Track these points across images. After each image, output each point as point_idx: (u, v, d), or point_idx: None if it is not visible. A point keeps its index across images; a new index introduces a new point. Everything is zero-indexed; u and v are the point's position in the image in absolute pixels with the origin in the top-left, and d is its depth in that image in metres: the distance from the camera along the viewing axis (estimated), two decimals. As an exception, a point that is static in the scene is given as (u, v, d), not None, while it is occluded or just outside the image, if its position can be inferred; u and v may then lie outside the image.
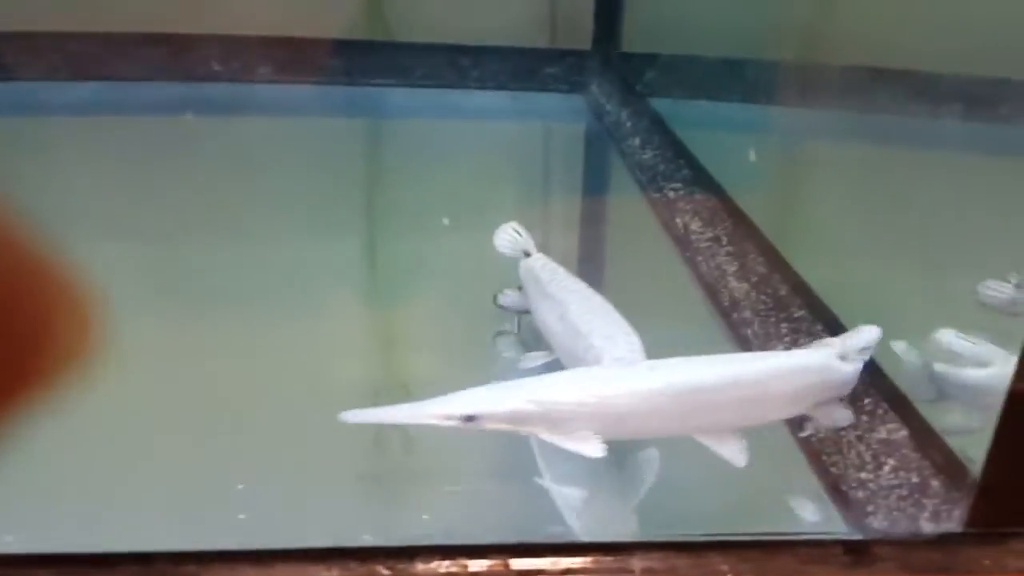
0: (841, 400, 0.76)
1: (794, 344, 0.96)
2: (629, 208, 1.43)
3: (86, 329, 0.56)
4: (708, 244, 1.19)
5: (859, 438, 0.80)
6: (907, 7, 1.15)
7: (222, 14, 1.62)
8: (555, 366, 0.83)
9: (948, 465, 0.75)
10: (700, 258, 1.18)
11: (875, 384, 0.84)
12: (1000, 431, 0.65)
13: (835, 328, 0.93)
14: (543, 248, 0.97)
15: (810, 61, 1.28)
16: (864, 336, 0.75)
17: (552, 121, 1.84)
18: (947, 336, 0.81)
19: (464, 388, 0.70)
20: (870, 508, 0.73)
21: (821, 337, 0.95)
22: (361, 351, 1.03)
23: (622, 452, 0.78)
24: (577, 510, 0.76)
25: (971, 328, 0.81)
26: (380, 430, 0.83)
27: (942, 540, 0.68)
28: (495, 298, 0.98)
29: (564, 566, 0.62)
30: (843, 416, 0.76)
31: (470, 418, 0.68)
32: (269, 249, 1.21)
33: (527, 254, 0.95)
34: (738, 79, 1.53)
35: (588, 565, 0.62)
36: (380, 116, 1.77)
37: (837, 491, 0.76)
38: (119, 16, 1.60)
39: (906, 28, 1.17)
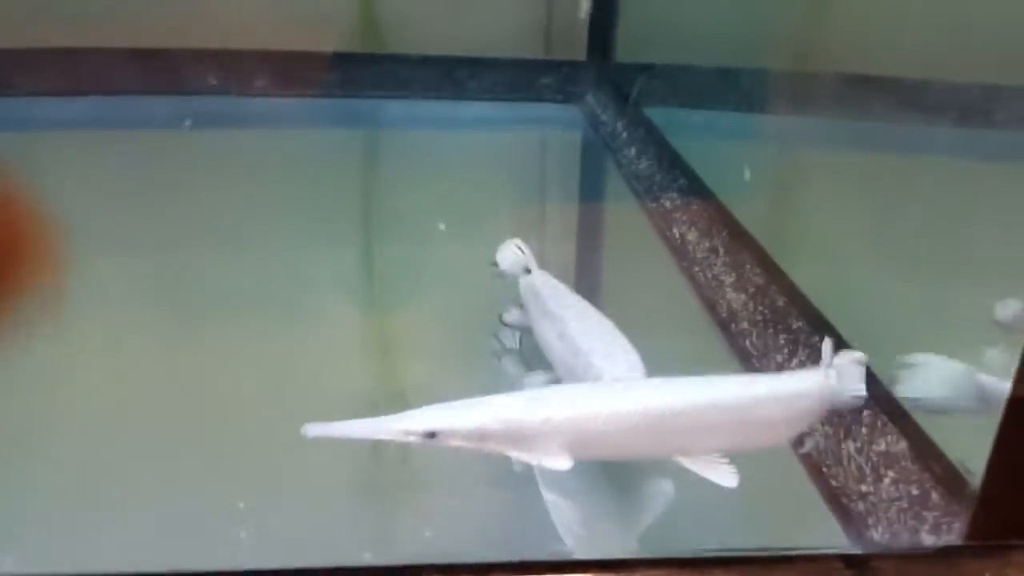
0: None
1: (792, 355, 0.97)
2: (626, 219, 1.43)
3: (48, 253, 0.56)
4: (705, 255, 1.20)
5: (859, 450, 0.81)
6: (900, 14, 1.16)
7: (218, 28, 1.63)
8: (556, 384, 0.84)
9: (948, 477, 0.75)
10: (697, 269, 1.18)
11: (873, 396, 0.84)
12: (1000, 441, 0.66)
13: (833, 339, 0.94)
14: (540, 259, 0.98)
15: (804, 69, 1.29)
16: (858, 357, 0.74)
17: (548, 132, 1.85)
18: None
19: (461, 398, 0.70)
20: (870, 521, 0.74)
21: (819, 348, 0.96)
22: (359, 362, 1.03)
23: (625, 472, 0.78)
24: (573, 525, 0.76)
25: (982, 341, 0.80)
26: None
27: (943, 553, 0.69)
28: (501, 317, 0.98)
29: (567, 583, 0.62)
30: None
31: (432, 434, 0.66)
32: (267, 261, 1.21)
33: (528, 271, 0.96)
34: (733, 88, 1.54)
35: (591, 582, 0.62)
36: (376, 128, 1.77)
37: (837, 504, 0.76)
38: (115, 31, 1.60)
39: (899, 35, 1.17)
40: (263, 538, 0.72)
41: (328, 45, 1.70)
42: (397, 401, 0.93)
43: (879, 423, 0.83)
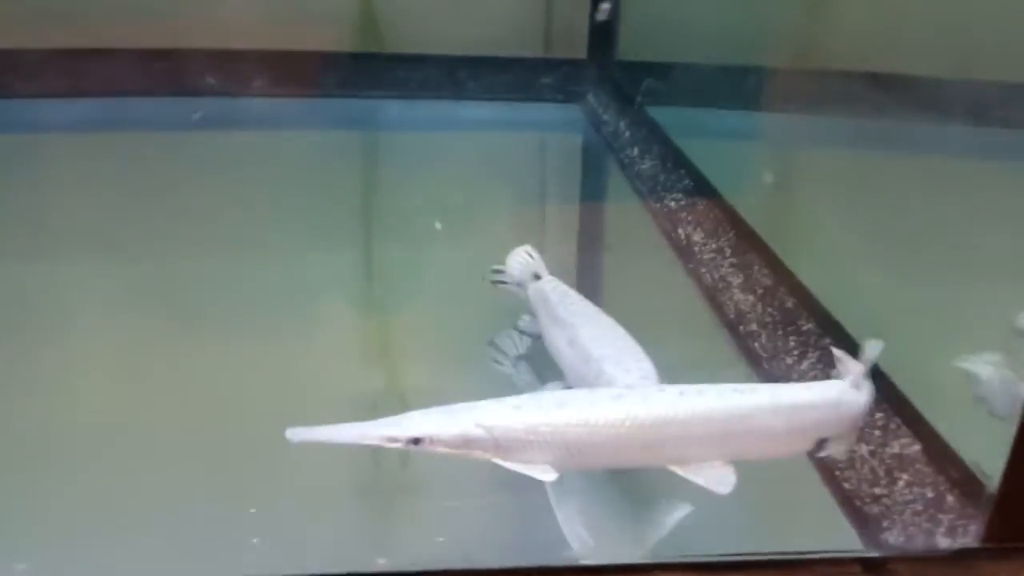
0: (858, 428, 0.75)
1: (803, 358, 0.97)
2: (629, 219, 1.43)
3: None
4: (712, 255, 1.20)
5: (872, 453, 0.81)
6: (910, 9, 1.16)
7: (216, 29, 1.63)
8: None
9: (963, 479, 0.75)
10: (704, 270, 1.18)
11: (886, 398, 0.85)
12: (1018, 444, 0.66)
13: (844, 342, 0.94)
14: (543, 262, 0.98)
15: (811, 67, 1.29)
16: (869, 355, 0.73)
17: (548, 132, 1.85)
18: None
19: (461, 402, 0.69)
20: (885, 524, 0.74)
21: (829, 351, 0.96)
22: (359, 364, 1.03)
23: (635, 478, 0.79)
24: (581, 531, 0.76)
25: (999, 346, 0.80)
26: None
27: (959, 555, 0.69)
28: (516, 325, 0.98)
29: (585, 588, 0.62)
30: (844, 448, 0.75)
31: (416, 441, 0.66)
32: (267, 264, 1.21)
33: (537, 277, 0.95)
34: (737, 86, 1.54)
35: (608, 587, 0.63)
36: (375, 128, 1.77)
37: (852, 507, 0.77)
38: (113, 32, 1.61)
39: (909, 31, 1.17)
40: (273, 544, 0.72)
41: (327, 45, 1.71)
42: (397, 404, 0.93)
43: (892, 425, 0.83)
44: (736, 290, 1.11)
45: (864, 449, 0.82)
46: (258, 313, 1.08)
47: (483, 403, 0.69)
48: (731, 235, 1.21)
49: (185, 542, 0.72)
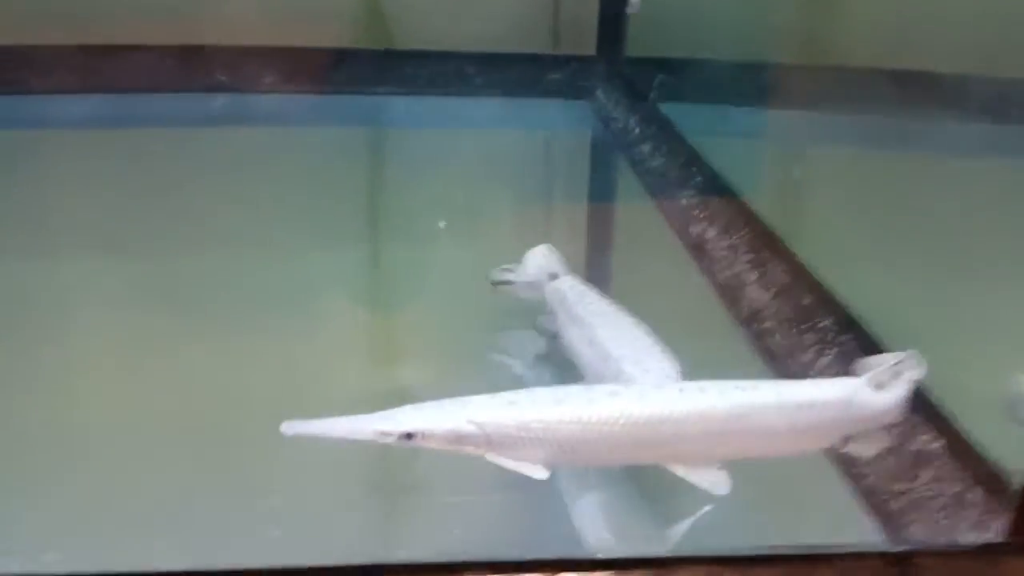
0: (881, 429, 0.74)
1: (820, 355, 0.98)
2: (641, 217, 1.43)
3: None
4: (725, 253, 1.20)
5: (894, 450, 0.81)
6: (929, 5, 1.16)
7: (225, 25, 1.64)
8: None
9: (987, 476, 0.76)
10: (717, 267, 1.19)
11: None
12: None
13: (863, 338, 0.95)
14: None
15: (825, 64, 1.30)
16: (904, 362, 0.72)
17: (557, 129, 1.85)
18: None
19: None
20: (910, 519, 0.75)
21: (847, 348, 0.97)
22: (365, 361, 1.04)
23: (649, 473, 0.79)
24: (595, 527, 0.76)
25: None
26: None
27: (984, 550, 0.70)
28: (534, 324, 0.98)
29: (611, 581, 0.63)
30: (877, 445, 0.75)
31: (408, 436, 0.66)
32: (274, 260, 1.22)
33: (555, 276, 0.95)
34: (748, 83, 1.55)
35: (634, 580, 0.63)
36: (384, 125, 1.78)
37: (875, 502, 0.77)
38: (124, 28, 1.62)
39: (922, 28, 1.18)
40: (288, 536, 0.72)
41: (335, 42, 1.71)
42: (400, 402, 0.94)
43: (914, 423, 0.83)
44: (752, 288, 1.12)
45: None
46: (263, 310, 1.09)
47: (476, 399, 0.69)
48: (745, 232, 1.21)
49: (196, 535, 0.73)
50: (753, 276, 1.13)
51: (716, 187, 1.35)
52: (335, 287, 1.16)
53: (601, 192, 1.62)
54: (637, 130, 1.63)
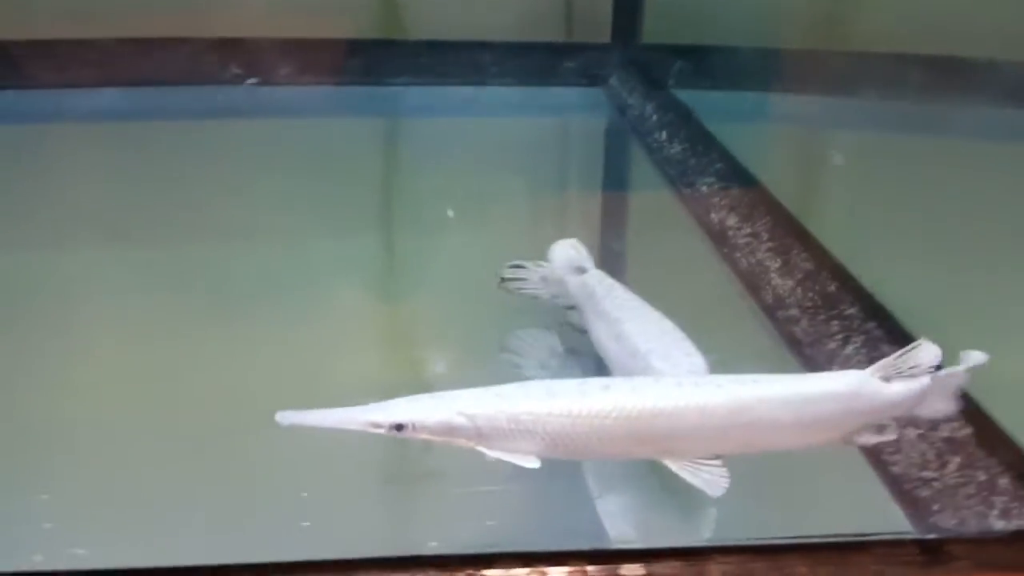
0: (891, 421, 0.72)
1: (845, 343, 0.98)
2: (660, 204, 1.43)
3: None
4: (747, 240, 1.21)
5: (922, 436, 0.82)
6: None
7: (239, 17, 1.65)
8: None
9: (1016, 461, 0.76)
10: (739, 255, 1.19)
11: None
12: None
13: (889, 325, 0.95)
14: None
15: (847, 49, 1.29)
16: (921, 355, 0.70)
17: (572, 116, 1.86)
18: None
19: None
20: (937, 507, 0.75)
21: (873, 335, 0.97)
22: (378, 351, 1.04)
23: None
24: (620, 519, 0.77)
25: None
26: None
27: (1015, 537, 0.70)
28: (567, 318, 0.97)
29: (643, 572, 0.63)
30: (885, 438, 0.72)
31: (399, 427, 0.67)
32: (289, 251, 1.23)
33: (582, 270, 0.95)
34: (765, 69, 1.55)
35: (665, 570, 0.64)
36: (398, 115, 1.79)
37: (902, 490, 0.78)
38: (139, 21, 1.62)
39: (946, 13, 1.17)
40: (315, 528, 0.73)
41: (349, 33, 1.72)
42: (410, 393, 0.94)
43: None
44: (774, 275, 1.12)
45: (913, 432, 0.82)
46: (277, 300, 1.10)
47: (467, 391, 0.69)
48: (767, 219, 1.21)
49: (214, 528, 0.74)
50: (776, 263, 1.13)
51: (736, 174, 1.35)
52: (350, 277, 1.17)
53: (618, 180, 1.62)
54: (654, 117, 1.63)
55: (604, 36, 1.85)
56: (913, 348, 0.70)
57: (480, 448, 0.68)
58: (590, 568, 0.63)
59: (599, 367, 0.88)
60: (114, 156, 1.50)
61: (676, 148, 1.51)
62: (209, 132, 1.63)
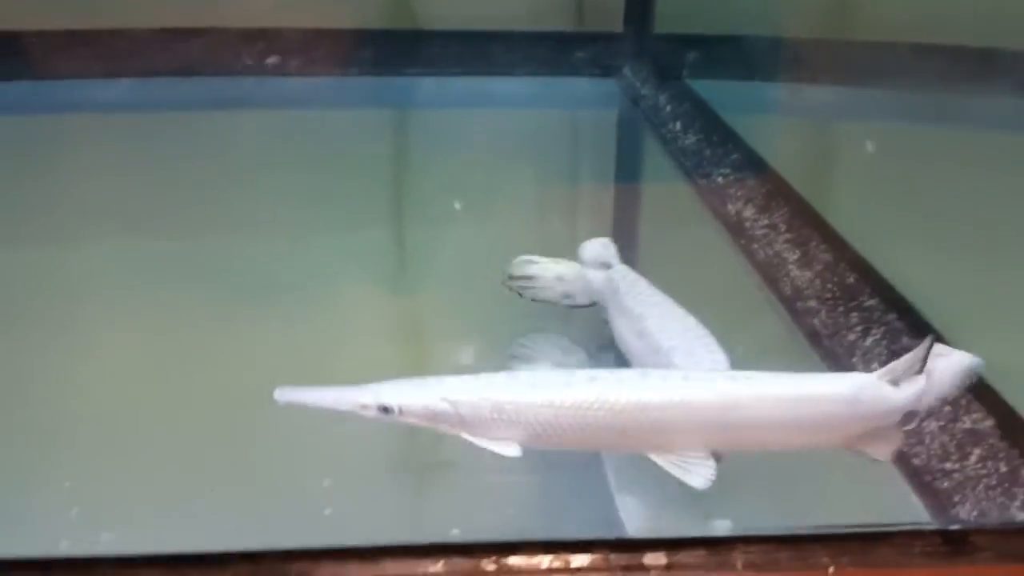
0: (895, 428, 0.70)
1: (864, 335, 0.98)
2: (675, 196, 1.43)
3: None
4: (764, 231, 1.21)
5: (943, 428, 0.83)
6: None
7: (249, 8, 1.65)
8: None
9: (1040, 452, 0.77)
10: (756, 246, 1.19)
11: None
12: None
13: (910, 317, 0.95)
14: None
15: (865, 38, 1.29)
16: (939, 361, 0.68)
17: (584, 107, 1.86)
18: None
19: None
20: (958, 498, 0.76)
21: (893, 327, 0.98)
22: (387, 342, 1.04)
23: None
24: (637, 511, 0.77)
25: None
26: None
27: (1038, 528, 0.71)
28: (601, 315, 0.96)
29: (666, 561, 0.64)
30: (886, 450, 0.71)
31: (385, 409, 0.68)
32: (298, 242, 1.24)
33: (608, 266, 0.95)
34: (779, 58, 1.55)
35: (690, 560, 0.65)
36: (409, 106, 1.79)
37: (922, 481, 0.79)
38: (149, 12, 1.63)
39: (963, 1, 1.17)
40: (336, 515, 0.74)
41: (359, 23, 1.72)
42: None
43: (964, 400, 0.84)
44: (793, 266, 1.12)
45: (934, 424, 0.83)
46: (288, 289, 1.11)
47: (453, 378, 0.70)
48: (785, 210, 1.22)
49: (235, 515, 0.75)
50: (794, 255, 1.14)
51: (752, 164, 1.35)
52: (361, 270, 1.18)
53: (632, 171, 1.62)
54: (668, 107, 1.63)
55: (616, 25, 1.84)
56: (923, 349, 0.68)
57: (463, 435, 0.68)
58: (613, 556, 0.64)
59: (620, 364, 0.88)
60: (125, 147, 1.51)
61: (691, 139, 1.51)
62: (218, 123, 1.64)
